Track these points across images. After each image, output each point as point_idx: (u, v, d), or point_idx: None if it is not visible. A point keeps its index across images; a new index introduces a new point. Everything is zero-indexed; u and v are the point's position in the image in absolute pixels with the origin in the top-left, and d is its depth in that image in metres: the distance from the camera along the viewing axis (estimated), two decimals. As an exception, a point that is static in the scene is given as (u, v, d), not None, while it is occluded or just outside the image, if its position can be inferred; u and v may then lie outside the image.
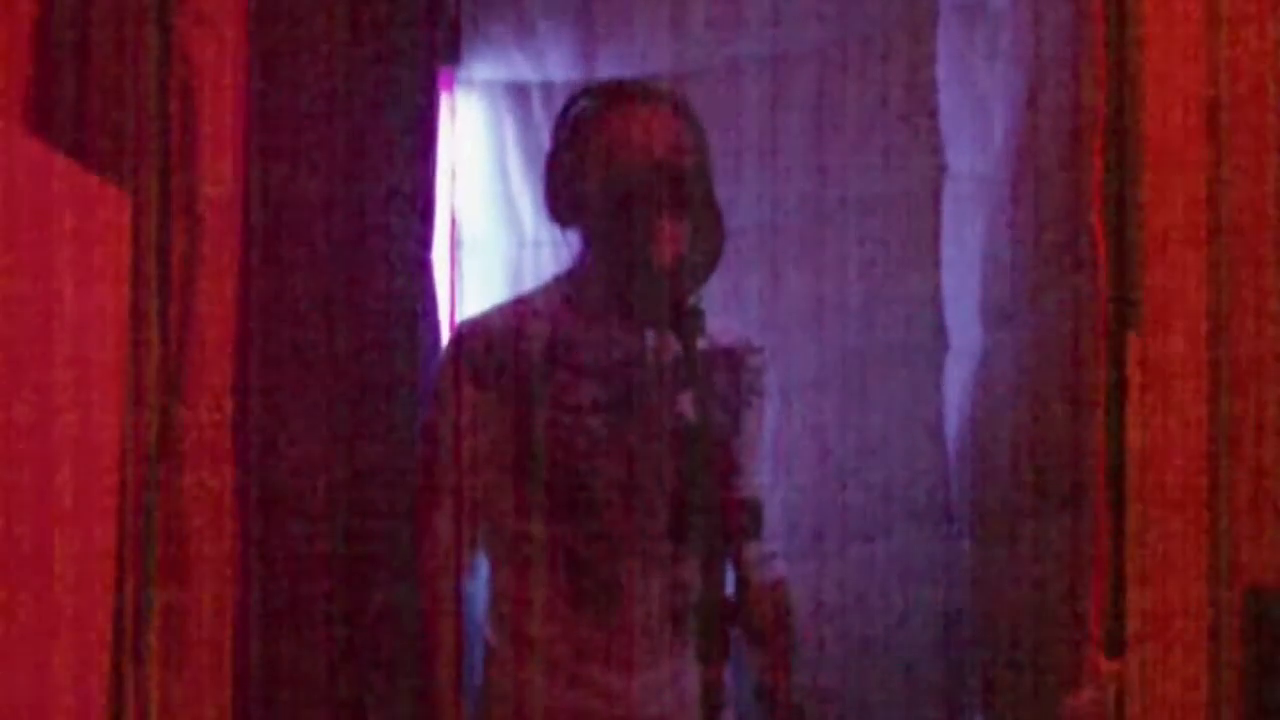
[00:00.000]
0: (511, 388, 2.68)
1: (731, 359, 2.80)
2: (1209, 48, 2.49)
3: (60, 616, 1.99)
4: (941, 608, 3.19)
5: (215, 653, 2.25)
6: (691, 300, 2.41)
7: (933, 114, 3.28)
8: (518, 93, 3.42)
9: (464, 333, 2.77)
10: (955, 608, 3.14)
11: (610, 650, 2.67)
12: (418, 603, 2.65)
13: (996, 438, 2.89)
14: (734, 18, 3.39)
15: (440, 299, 3.03)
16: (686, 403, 2.30)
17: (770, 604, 2.78)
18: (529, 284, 3.09)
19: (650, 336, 2.70)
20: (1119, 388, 2.47)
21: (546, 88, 3.40)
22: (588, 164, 2.70)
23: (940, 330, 3.26)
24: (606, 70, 3.31)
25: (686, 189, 2.63)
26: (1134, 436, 2.46)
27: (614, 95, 2.75)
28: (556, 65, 3.41)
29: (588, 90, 2.80)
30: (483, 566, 2.78)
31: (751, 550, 2.63)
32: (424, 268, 2.92)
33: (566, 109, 2.78)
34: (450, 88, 3.37)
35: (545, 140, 2.88)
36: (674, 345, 2.35)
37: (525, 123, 3.41)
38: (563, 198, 2.74)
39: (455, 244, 3.41)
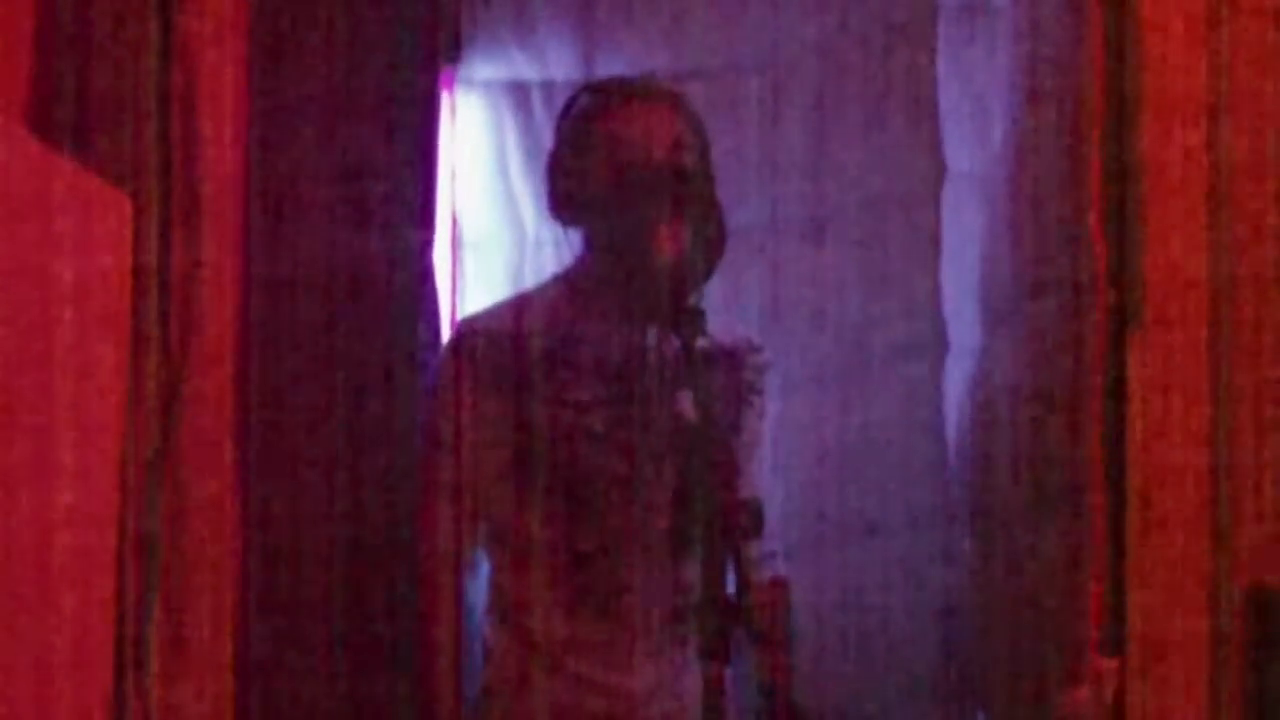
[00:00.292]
0: (512, 386, 2.68)
1: (732, 358, 2.80)
2: (1208, 46, 2.50)
3: (62, 618, 1.99)
4: (941, 607, 3.19)
5: (216, 654, 2.25)
6: (692, 299, 2.41)
7: (933, 114, 3.27)
8: (518, 92, 3.42)
9: (465, 331, 2.76)
10: (954, 607, 3.14)
11: (610, 649, 2.67)
12: (418, 601, 2.65)
13: (996, 437, 2.89)
14: (734, 18, 3.38)
15: (441, 298, 3.03)
16: (687, 402, 2.30)
17: (770, 603, 2.78)
18: (530, 283, 3.09)
19: (651, 335, 2.70)
20: (1119, 387, 2.47)
21: (547, 87, 3.40)
22: (589, 163, 2.70)
23: (940, 329, 3.26)
24: (607, 69, 3.31)
25: (688, 188, 2.63)
26: (1134, 436, 2.46)
27: (616, 93, 2.75)
28: (557, 64, 3.41)
29: (589, 88, 2.80)
30: (483, 565, 2.78)
31: (752, 550, 2.63)
32: (425, 267, 2.92)
33: (568, 107, 2.78)
34: (451, 87, 3.36)
35: (546, 140, 2.88)
36: (674, 344, 2.35)
37: (526, 122, 3.41)
38: (564, 196, 2.74)
39: (456, 243, 3.41)
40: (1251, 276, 2.50)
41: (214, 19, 2.32)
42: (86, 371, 2.06)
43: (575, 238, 2.77)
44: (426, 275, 2.92)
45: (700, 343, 2.34)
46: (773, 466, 2.86)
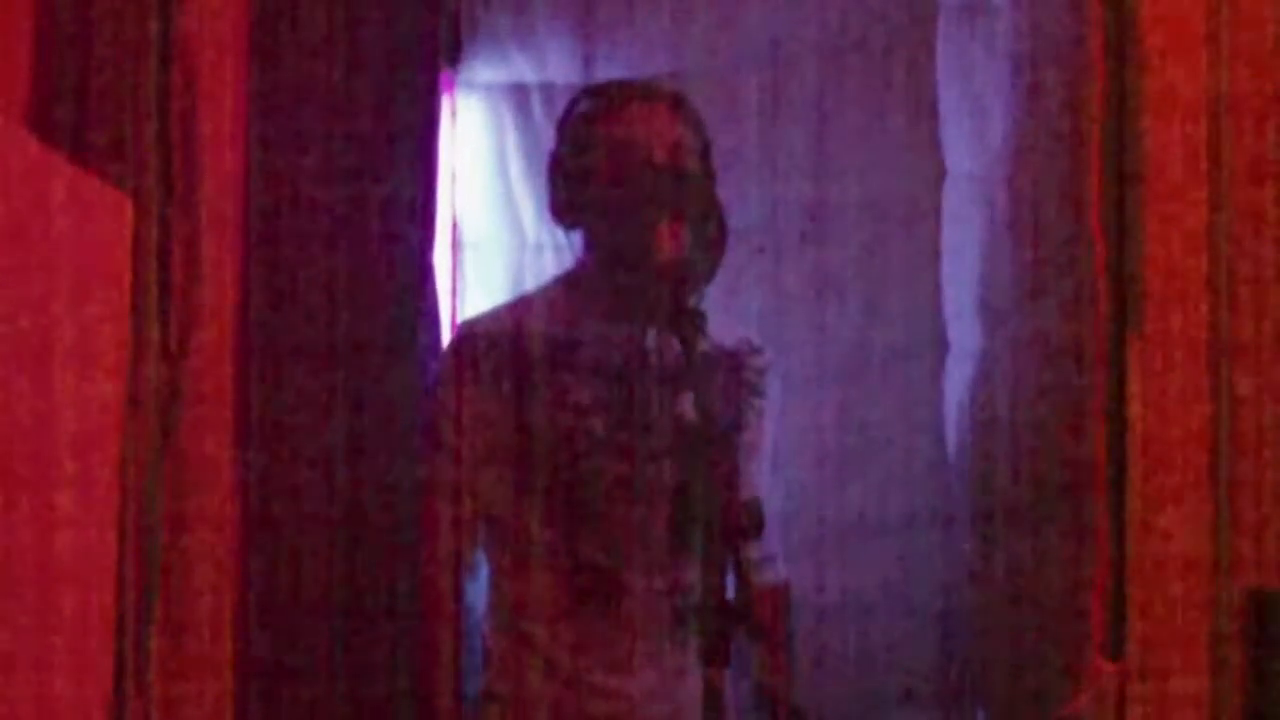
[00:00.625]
0: (512, 388, 2.68)
1: (733, 360, 2.80)
2: (1209, 46, 2.50)
3: (62, 618, 1.99)
4: (941, 608, 3.19)
5: (216, 654, 2.25)
6: (692, 301, 2.41)
7: (932, 114, 3.27)
8: (518, 94, 3.42)
9: (465, 333, 2.76)
10: (954, 607, 3.14)
11: (610, 651, 2.67)
12: (418, 603, 2.65)
13: (996, 438, 2.89)
14: (734, 19, 3.38)
15: (441, 300, 3.03)
16: (687, 403, 2.30)
17: (771, 605, 2.78)
18: (530, 285, 3.09)
19: (651, 337, 2.70)
20: (1119, 387, 2.47)
21: (547, 89, 3.40)
22: (590, 164, 2.70)
23: (940, 330, 3.26)
24: (607, 71, 3.31)
25: (688, 190, 2.63)
26: (1134, 436, 2.46)
27: (617, 96, 2.75)
28: (557, 67, 3.41)
29: (591, 90, 2.80)
30: (483, 567, 2.78)
31: (752, 551, 2.63)
32: (425, 269, 2.92)
33: (569, 109, 2.78)
34: (451, 89, 3.36)
35: (546, 142, 2.88)
36: (675, 346, 2.35)
37: (526, 124, 3.41)
38: (565, 198, 2.74)
39: (456, 245, 3.41)
40: (1252, 277, 2.50)
41: (214, 19, 2.32)
42: (86, 371, 2.06)
43: (576, 239, 2.78)
44: (426, 277, 2.92)
45: (701, 344, 2.34)
46: (773, 467, 2.86)
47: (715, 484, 2.16)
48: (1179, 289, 2.48)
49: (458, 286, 3.41)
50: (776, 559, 2.82)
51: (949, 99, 3.24)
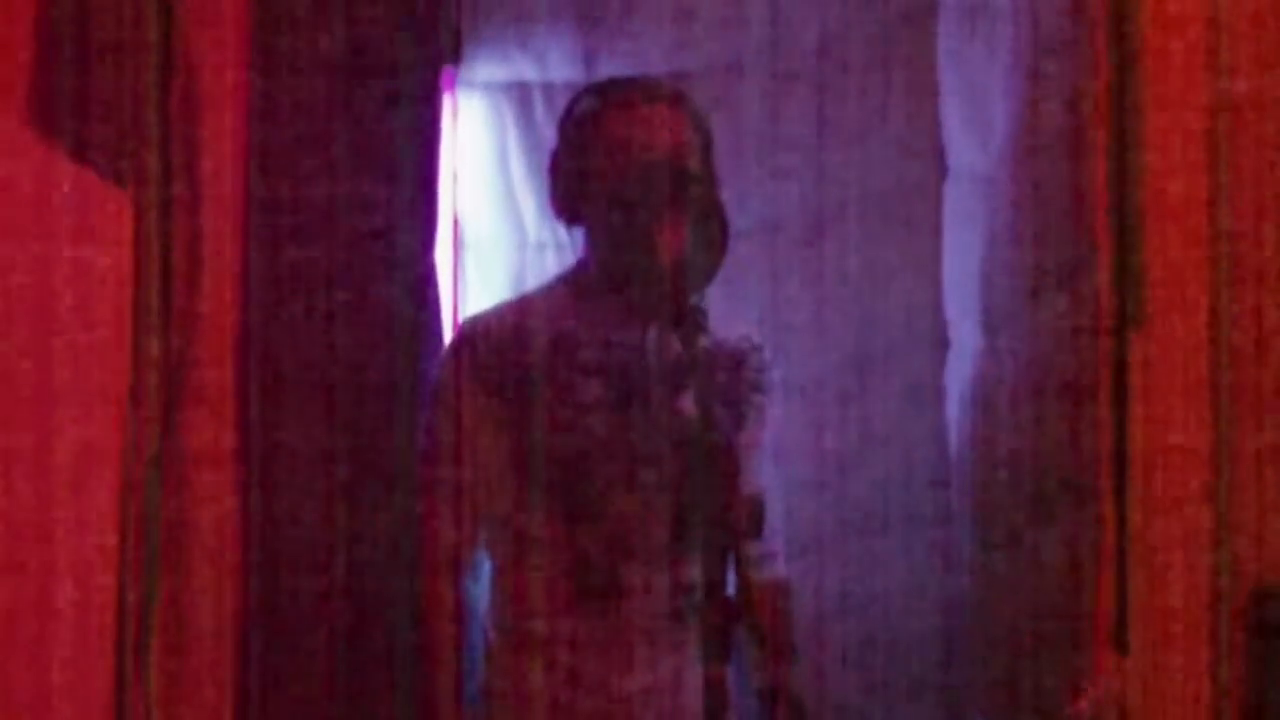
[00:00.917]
0: (514, 386, 2.68)
1: (734, 358, 2.80)
2: (1210, 44, 2.50)
3: (63, 616, 1.99)
4: (942, 607, 3.19)
5: (217, 652, 2.25)
6: (694, 299, 2.41)
7: (933, 113, 3.28)
8: (519, 93, 3.42)
9: (467, 331, 2.76)
10: (956, 607, 3.14)
11: (612, 649, 2.67)
12: (418, 601, 2.65)
13: (998, 437, 2.89)
14: (735, 18, 3.38)
15: (442, 299, 3.03)
16: (688, 402, 2.30)
17: (772, 603, 2.78)
18: (531, 284, 3.09)
19: (653, 335, 2.70)
20: (1121, 387, 2.47)
21: (548, 88, 3.40)
22: (591, 162, 2.70)
23: (941, 329, 3.26)
24: (608, 70, 3.31)
25: (690, 188, 2.63)
26: (1136, 436, 2.46)
27: (618, 93, 2.75)
28: (558, 65, 3.41)
29: (592, 88, 2.80)
30: (485, 566, 2.78)
31: (753, 549, 2.63)
32: (426, 268, 2.92)
33: (571, 107, 2.78)
34: (452, 88, 3.37)
35: (547, 140, 2.88)
36: (676, 344, 2.35)
37: (527, 123, 3.41)
38: (567, 196, 2.74)
39: (457, 244, 3.41)
40: (1253, 276, 2.51)
41: (214, 19, 2.32)
42: (87, 370, 2.06)
43: (577, 237, 2.78)
44: (428, 276, 2.92)
45: (703, 342, 2.34)
46: (773, 466, 2.86)
47: (716, 482, 2.16)
48: (1181, 288, 2.48)
49: (459, 285, 3.41)
50: (777, 557, 2.82)
51: (950, 97, 3.24)
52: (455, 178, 3.39)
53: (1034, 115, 2.76)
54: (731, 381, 2.79)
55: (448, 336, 2.94)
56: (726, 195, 2.72)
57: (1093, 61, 2.50)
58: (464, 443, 2.68)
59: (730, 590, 2.12)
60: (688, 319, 2.34)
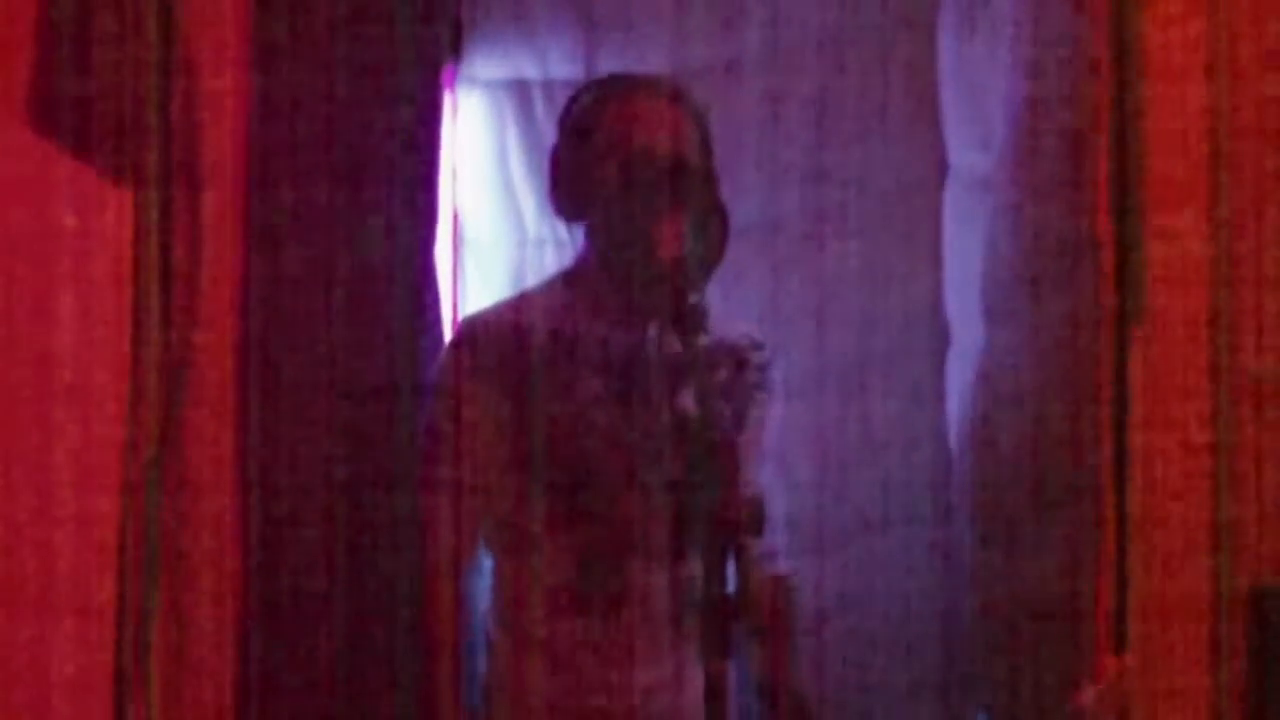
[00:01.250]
0: (514, 383, 2.68)
1: (735, 355, 2.79)
2: (1211, 42, 2.50)
3: (63, 616, 1.99)
4: (943, 605, 3.19)
5: (217, 652, 2.25)
6: (694, 296, 2.41)
7: (934, 111, 3.27)
8: (520, 90, 3.42)
9: (466, 329, 2.76)
10: (956, 605, 3.14)
11: (612, 646, 2.67)
12: (419, 600, 2.65)
13: (999, 435, 2.89)
14: (735, 15, 3.38)
15: (442, 297, 3.03)
16: (688, 399, 2.30)
17: (772, 600, 2.78)
18: (531, 282, 3.08)
19: (653, 332, 2.69)
20: (1122, 384, 2.47)
21: (548, 85, 3.40)
22: (591, 158, 2.70)
23: (942, 327, 3.26)
24: (608, 67, 3.30)
25: (690, 184, 2.63)
26: (1137, 433, 2.46)
27: (618, 89, 2.75)
28: (558, 63, 3.40)
29: (592, 84, 2.80)
30: (486, 563, 2.78)
31: (754, 547, 2.63)
32: (426, 265, 2.92)
33: (571, 103, 2.78)
34: (452, 85, 3.36)
35: (547, 138, 2.88)
36: (676, 341, 2.35)
37: (527, 121, 3.41)
38: (566, 192, 2.74)
39: (457, 242, 3.41)
40: (1253, 274, 2.51)
41: (215, 17, 2.32)
42: (87, 369, 2.06)
43: (577, 234, 2.78)
44: (428, 274, 2.92)
45: (703, 339, 2.34)
46: (774, 465, 2.86)
47: (717, 479, 2.16)
48: (1181, 286, 2.48)
49: (459, 283, 3.41)
50: (776, 555, 2.82)
51: (950, 96, 3.24)
52: (455, 175, 3.39)
53: (1035, 114, 2.76)
54: (732, 379, 2.78)
55: (448, 334, 2.94)
56: (727, 193, 2.71)
57: (1093, 60, 2.50)
58: (464, 441, 2.68)
59: (731, 588, 2.12)
60: (688, 316, 2.34)
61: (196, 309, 2.25)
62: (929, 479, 3.25)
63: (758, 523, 2.14)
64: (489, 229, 3.44)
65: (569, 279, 2.79)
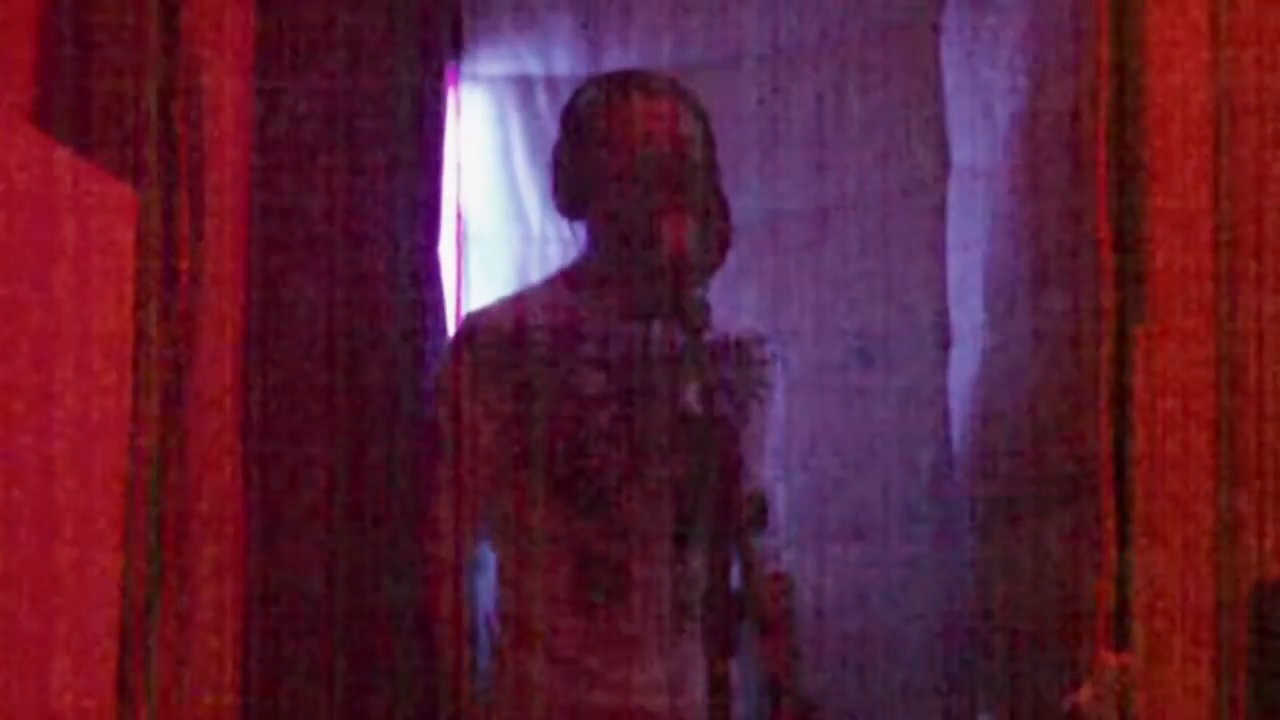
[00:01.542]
0: (517, 380, 2.68)
1: (738, 351, 2.79)
2: (1213, 40, 2.49)
3: (65, 616, 1.99)
4: (944, 601, 3.19)
5: (219, 649, 2.25)
6: (697, 292, 2.41)
7: (937, 108, 3.27)
8: (522, 87, 3.42)
9: (469, 326, 2.76)
10: (958, 602, 3.14)
11: (616, 643, 2.67)
12: (421, 596, 2.65)
13: (1001, 431, 2.89)
14: (738, 11, 3.38)
15: (446, 294, 3.03)
16: (692, 395, 2.30)
17: (776, 596, 2.78)
18: (535, 278, 3.08)
19: (656, 328, 2.69)
20: (1124, 381, 2.47)
21: (551, 82, 3.40)
22: (594, 154, 2.70)
23: (944, 324, 3.26)
24: (610, 64, 3.31)
25: (692, 180, 2.63)
26: (1139, 430, 2.46)
27: (620, 86, 2.75)
28: (561, 59, 3.41)
29: (594, 81, 2.80)
30: (489, 559, 2.78)
31: (757, 543, 2.63)
32: (431, 263, 2.92)
33: (573, 100, 2.78)
34: (455, 82, 3.37)
35: (550, 134, 2.88)
36: (680, 337, 2.35)
37: (530, 117, 3.41)
38: (569, 188, 2.74)
39: (461, 238, 3.41)
40: (1256, 271, 2.50)
41: (217, 14, 2.32)
42: (90, 368, 2.05)
43: (580, 231, 2.78)
44: (432, 270, 2.92)
45: (706, 335, 2.34)
46: (776, 461, 2.86)
47: (720, 475, 2.16)
48: (1184, 281, 2.48)
49: (463, 279, 3.41)
50: (778, 550, 2.82)
51: (954, 93, 3.24)
52: (459, 172, 3.39)
53: (1038, 108, 2.76)
54: (735, 375, 2.79)
55: (452, 331, 2.94)
56: (729, 190, 2.72)
57: (1096, 58, 2.49)
58: (467, 437, 2.68)
59: (734, 583, 2.12)
60: (691, 312, 2.34)
61: (199, 308, 2.25)
62: (931, 474, 3.25)
63: (761, 518, 2.15)
64: (493, 225, 3.44)
65: (572, 276, 2.79)
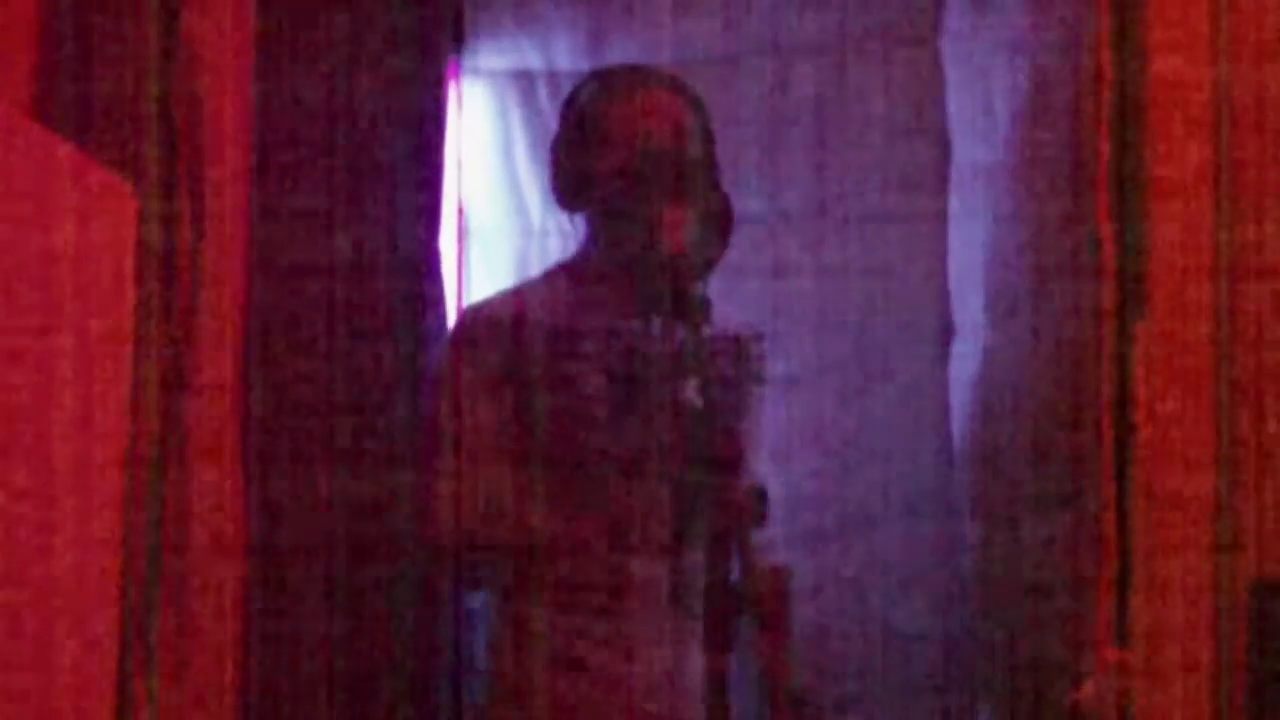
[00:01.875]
0: (516, 374, 2.68)
1: (736, 346, 2.80)
2: (1214, 34, 2.49)
3: (64, 616, 1.99)
4: (944, 600, 3.19)
5: (219, 648, 2.25)
6: (698, 287, 2.41)
7: (939, 104, 3.27)
8: (524, 81, 3.42)
9: (468, 319, 2.76)
10: (958, 598, 3.14)
11: (614, 637, 2.67)
12: (421, 595, 2.66)
13: (1002, 427, 2.89)
14: (739, 7, 3.38)
15: (447, 288, 3.03)
16: (691, 389, 2.30)
17: (773, 591, 2.78)
18: (535, 273, 3.09)
19: (655, 323, 2.69)
20: (1124, 377, 2.47)
21: (552, 76, 3.40)
22: (593, 148, 2.70)
23: (945, 319, 3.26)
24: (612, 58, 3.30)
25: (691, 174, 2.63)
26: (1140, 427, 2.46)
27: (620, 80, 2.75)
28: (562, 54, 3.41)
29: (594, 75, 2.80)
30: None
31: (755, 538, 2.63)
32: (431, 257, 2.92)
33: (573, 94, 2.78)
34: (456, 77, 3.36)
35: (551, 129, 2.88)
36: (679, 332, 2.35)
37: (531, 112, 3.41)
38: (568, 182, 2.74)
39: (461, 232, 3.41)
40: (1257, 267, 2.50)
41: (218, 11, 2.31)
42: (89, 365, 2.05)
43: (579, 224, 2.78)
44: (433, 264, 2.92)
45: (705, 330, 2.34)
46: (775, 456, 2.86)
47: (719, 470, 2.17)
48: (1184, 279, 2.48)
49: (463, 273, 3.41)
50: (776, 545, 2.82)
51: (955, 89, 3.24)
52: (460, 166, 3.39)
53: (1040, 106, 2.76)
54: (734, 370, 2.79)
55: (452, 325, 2.94)
56: (729, 186, 2.72)
57: (1098, 50, 2.49)
58: (466, 431, 2.68)
59: (732, 578, 2.12)
60: (691, 306, 2.34)
61: (200, 302, 2.24)
62: (931, 470, 3.25)
63: (761, 513, 2.15)
64: (493, 219, 3.44)
65: (571, 269, 2.79)
